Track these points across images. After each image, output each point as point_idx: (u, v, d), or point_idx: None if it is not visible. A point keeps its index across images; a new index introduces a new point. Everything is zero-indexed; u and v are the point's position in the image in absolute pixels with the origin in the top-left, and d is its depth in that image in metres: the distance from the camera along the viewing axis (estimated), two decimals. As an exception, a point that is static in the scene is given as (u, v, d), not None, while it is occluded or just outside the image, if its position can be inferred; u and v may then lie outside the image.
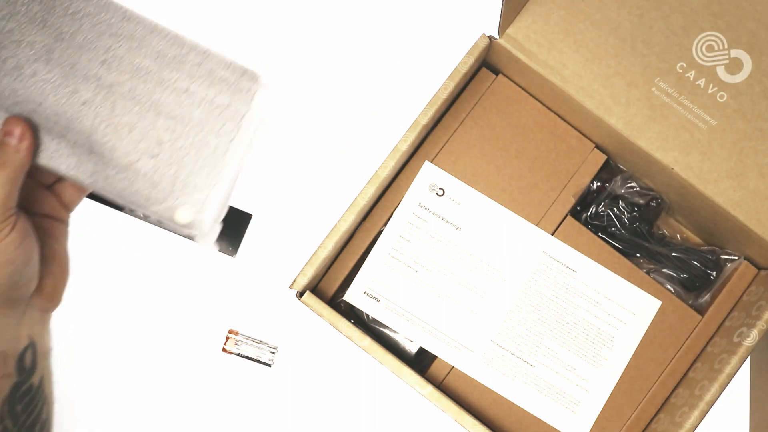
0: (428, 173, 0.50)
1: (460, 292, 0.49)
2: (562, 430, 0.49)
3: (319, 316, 0.47)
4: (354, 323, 0.48)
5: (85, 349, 0.58)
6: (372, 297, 0.49)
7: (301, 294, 0.46)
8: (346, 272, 0.52)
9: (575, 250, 0.50)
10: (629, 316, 0.49)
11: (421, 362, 0.53)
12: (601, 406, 0.49)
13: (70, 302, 0.58)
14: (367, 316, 0.53)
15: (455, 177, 0.50)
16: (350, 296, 0.50)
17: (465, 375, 0.51)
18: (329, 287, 0.51)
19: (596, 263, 0.49)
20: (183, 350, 0.58)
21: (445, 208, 0.49)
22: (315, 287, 0.51)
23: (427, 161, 0.50)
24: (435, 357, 0.51)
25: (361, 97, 0.61)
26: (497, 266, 0.49)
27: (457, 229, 0.49)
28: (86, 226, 0.59)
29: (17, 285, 0.36)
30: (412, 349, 0.53)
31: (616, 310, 0.49)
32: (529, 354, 0.49)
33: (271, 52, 0.61)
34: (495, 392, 0.50)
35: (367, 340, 0.46)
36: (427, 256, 0.49)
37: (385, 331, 0.53)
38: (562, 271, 0.49)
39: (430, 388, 0.46)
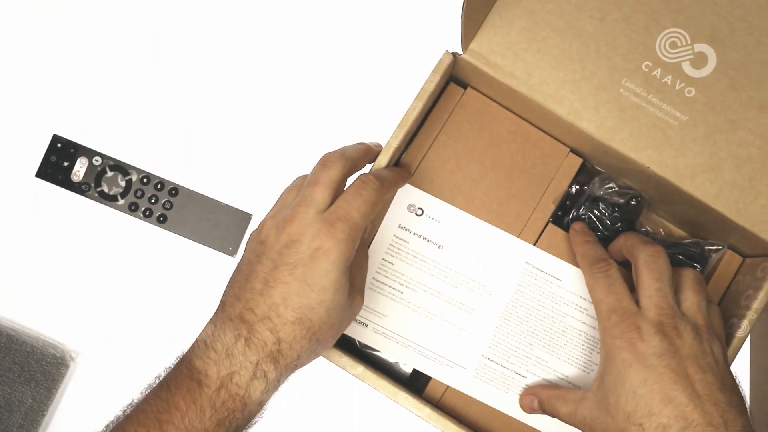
0: (406, 194, 0.50)
1: (447, 310, 0.49)
2: None
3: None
4: (345, 350, 0.48)
5: (84, 349, 0.58)
6: (359, 322, 0.49)
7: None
8: (333, 300, 0.52)
9: (558, 258, 0.49)
10: None
11: (417, 381, 0.53)
12: None
13: (68, 302, 0.58)
14: (358, 342, 0.53)
15: (433, 195, 0.50)
16: None
17: (462, 393, 0.50)
18: (318, 316, 0.51)
19: (580, 269, 0.49)
20: (183, 350, 0.58)
21: (426, 227, 0.49)
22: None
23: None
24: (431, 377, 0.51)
25: (333, 121, 0.61)
26: (482, 281, 0.49)
27: (439, 247, 0.49)
28: (85, 226, 0.59)
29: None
30: (408, 369, 0.53)
31: None
32: (521, 365, 0.49)
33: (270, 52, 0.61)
34: (494, 408, 0.50)
35: (359, 368, 0.46)
36: (411, 276, 0.49)
37: (379, 354, 0.53)
38: (546, 280, 0.49)
39: (427, 410, 0.46)
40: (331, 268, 0.39)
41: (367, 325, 0.49)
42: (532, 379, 0.49)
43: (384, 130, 0.59)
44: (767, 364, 0.56)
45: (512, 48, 0.47)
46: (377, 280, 0.49)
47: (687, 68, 0.47)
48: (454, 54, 0.48)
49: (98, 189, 0.59)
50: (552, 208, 0.51)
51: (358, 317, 0.49)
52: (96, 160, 0.59)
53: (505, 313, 0.49)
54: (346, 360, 0.46)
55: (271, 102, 0.61)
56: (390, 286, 0.49)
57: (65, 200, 0.59)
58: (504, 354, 0.49)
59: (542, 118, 0.50)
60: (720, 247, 0.52)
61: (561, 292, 0.49)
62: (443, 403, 0.51)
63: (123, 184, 0.59)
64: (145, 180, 0.59)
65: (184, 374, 0.39)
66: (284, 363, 0.39)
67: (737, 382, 0.42)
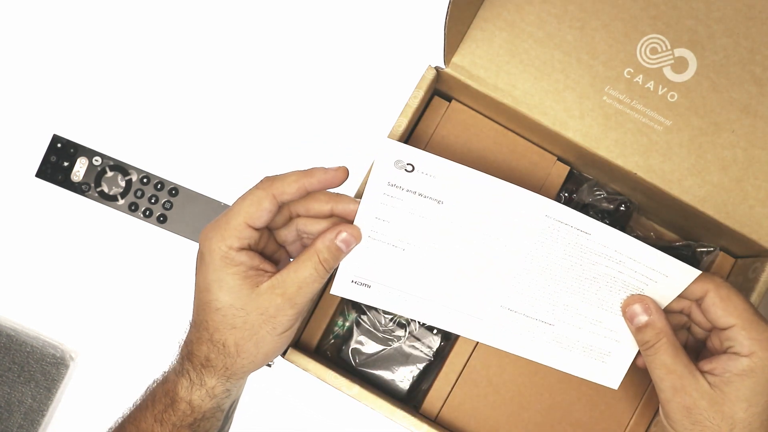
0: (390, 150, 0.42)
1: (455, 264, 0.45)
2: (594, 381, 0.46)
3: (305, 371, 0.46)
4: (341, 370, 0.47)
5: (83, 349, 0.58)
6: (362, 284, 0.44)
7: (284, 353, 0.46)
8: (327, 319, 0.51)
9: (582, 214, 0.44)
10: (661, 276, 0.44)
11: (414, 398, 0.53)
12: (634, 355, 0.46)
13: (68, 302, 0.58)
14: (355, 360, 0.52)
15: (420, 149, 0.43)
16: (338, 289, 0.44)
17: (460, 405, 0.50)
18: (312, 337, 0.51)
19: (614, 229, 0.44)
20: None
21: (419, 183, 0.43)
22: (297, 341, 0.51)
23: (386, 137, 0.43)
24: (428, 390, 0.51)
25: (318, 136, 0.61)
26: (493, 234, 0.44)
27: (438, 202, 0.43)
28: (85, 226, 0.59)
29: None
30: (404, 386, 0.53)
31: (643, 270, 0.44)
32: (546, 314, 0.46)
33: (267, 57, 0.61)
34: (494, 419, 0.50)
35: (356, 388, 0.46)
36: (411, 232, 0.44)
37: (375, 372, 0.52)
38: (572, 233, 0.44)
39: (425, 427, 0.46)
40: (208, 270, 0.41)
41: (370, 286, 0.44)
42: (561, 327, 0.46)
43: (370, 144, 0.60)
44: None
45: (495, 60, 0.47)
46: (373, 239, 0.44)
47: (668, 73, 0.47)
48: (437, 68, 0.48)
49: (98, 189, 0.59)
50: (542, 217, 0.51)
51: (358, 279, 0.44)
52: (96, 160, 0.59)
53: (524, 263, 0.44)
54: (341, 381, 0.46)
55: (269, 104, 0.61)
56: (389, 244, 0.44)
57: (65, 200, 0.59)
58: (525, 303, 0.45)
59: (528, 128, 0.50)
60: (711, 249, 0.52)
61: (591, 245, 0.44)
62: (441, 419, 0.50)
63: (123, 184, 0.59)
64: (145, 180, 0.59)
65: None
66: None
67: None
